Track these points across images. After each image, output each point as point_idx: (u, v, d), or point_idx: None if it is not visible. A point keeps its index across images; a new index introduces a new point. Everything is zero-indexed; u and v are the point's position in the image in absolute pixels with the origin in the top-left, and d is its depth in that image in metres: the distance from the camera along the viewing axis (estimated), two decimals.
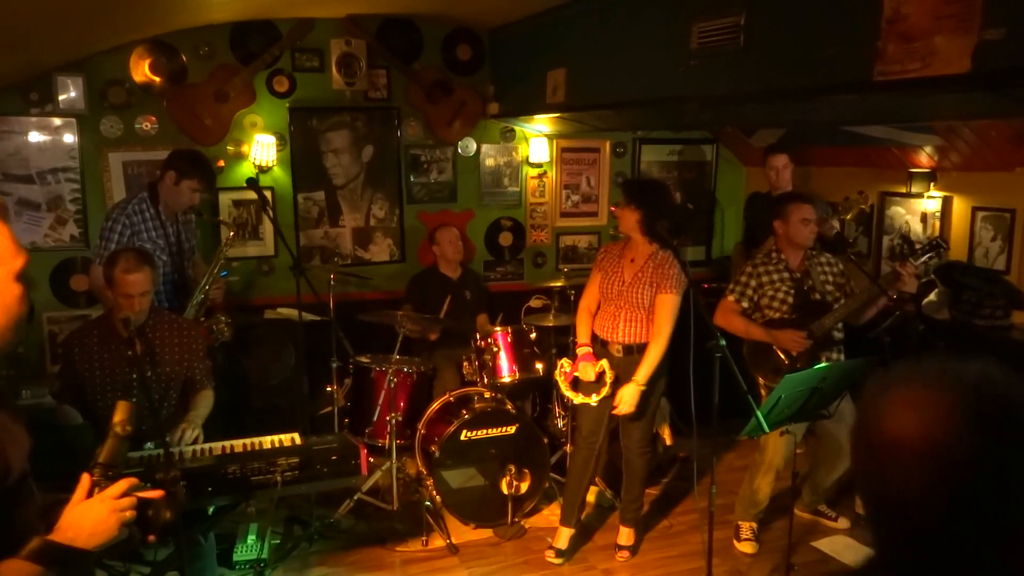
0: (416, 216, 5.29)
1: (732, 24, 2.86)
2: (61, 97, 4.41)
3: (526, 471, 3.92)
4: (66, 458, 2.40)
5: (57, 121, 4.46)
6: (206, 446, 2.86)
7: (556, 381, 3.76)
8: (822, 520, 4.03)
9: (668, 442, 4.53)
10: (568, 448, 4.14)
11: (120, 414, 1.58)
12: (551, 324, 4.55)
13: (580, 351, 3.61)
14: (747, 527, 3.82)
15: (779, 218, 3.68)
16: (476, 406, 3.98)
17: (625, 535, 3.78)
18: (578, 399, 3.61)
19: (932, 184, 4.37)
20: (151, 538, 1.52)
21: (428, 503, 3.89)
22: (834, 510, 4.04)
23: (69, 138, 4.49)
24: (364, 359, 4.18)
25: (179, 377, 3.22)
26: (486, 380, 4.15)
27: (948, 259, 4.28)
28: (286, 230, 4.82)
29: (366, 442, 3.95)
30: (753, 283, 3.69)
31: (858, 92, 2.48)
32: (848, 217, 4.71)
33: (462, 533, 3.90)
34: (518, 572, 3.65)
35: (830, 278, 3.69)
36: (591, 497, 4.07)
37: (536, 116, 4.85)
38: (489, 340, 4.19)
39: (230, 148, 4.78)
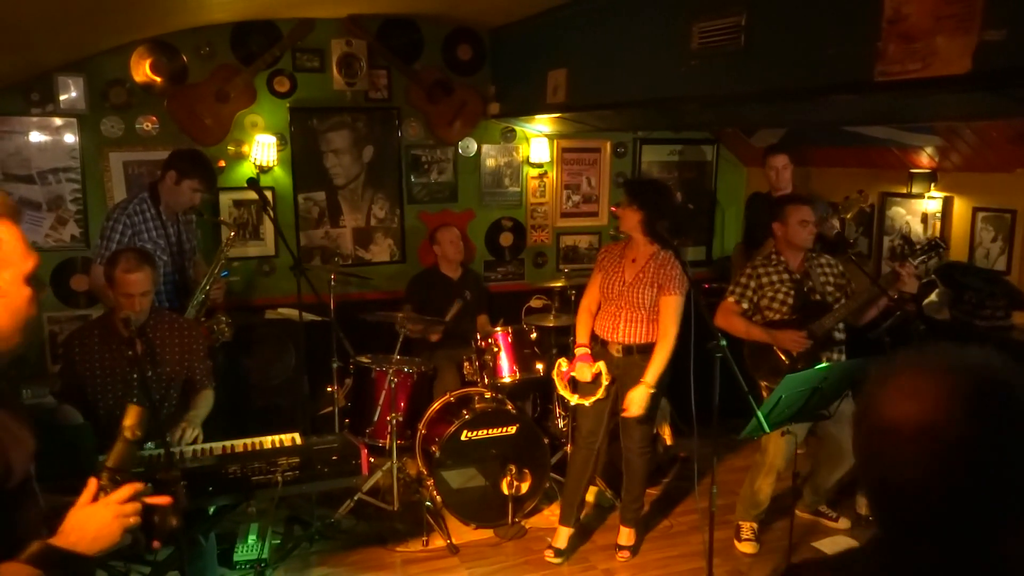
0: (417, 216, 5.29)
1: (733, 24, 2.86)
2: (62, 97, 4.41)
3: (526, 471, 3.92)
4: (67, 458, 2.41)
5: (58, 121, 4.46)
6: (206, 446, 2.87)
7: (554, 380, 3.77)
8: (823, 520, 4.03)
9: (669, 442, 4.54)
10: (568, 448, 4.14)
11: (131, 418, 1.56)
12: (552, 324, 4.55)
13: (578, 351, 3.62)
14: (748, 527, 3.82)
15: (778, 220, 3.70)
16: (477, 406, 3.98)
17: (625, 535, 3.78)
18: (573, 399, 3.63)
19: (933, 184, 4.37)
20: (156, 544, 1.50)
21: (428, 503, 3.89)
22: (835, 510, 4.04)
23: (70, 138, 4.49)
24: (365, 359, 4.18)
25: (179, 377, 3.23)
26: (486, 380, 4.15)
27: (949, 259, 4.28)
28: (287, 230, 4.82)
29: (367, 442, 3.95)
30: (753, 284, 3.69)
31: (859, 92, 2.48)
32: (848, 216, 4.71)
33: (462, 533, 3.90)
34: (518, 572, 3.65)
35: (831, 279, 3.69)
36: (590, 497, 4.07)
37: (537, 116, 4.85)
38: (489, 340, 4.19)
39: (231, 148, 4.78)
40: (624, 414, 3.46)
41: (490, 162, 5.41)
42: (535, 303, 5.01)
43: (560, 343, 4.49)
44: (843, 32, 2.42)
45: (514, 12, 4.58)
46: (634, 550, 3.78)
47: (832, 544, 3.83)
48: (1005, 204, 4.07)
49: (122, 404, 3.07)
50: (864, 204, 4.57)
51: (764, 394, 3.61)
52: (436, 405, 4.09)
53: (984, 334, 3.86)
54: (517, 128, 5.39)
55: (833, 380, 2.95)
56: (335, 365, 4.09)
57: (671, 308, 3.43)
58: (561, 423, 4.35)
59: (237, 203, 4.88)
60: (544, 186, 5.57)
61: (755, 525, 3.83)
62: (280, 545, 3.73)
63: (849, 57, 2.39)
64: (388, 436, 3.87)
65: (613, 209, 4.21)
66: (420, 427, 4.05)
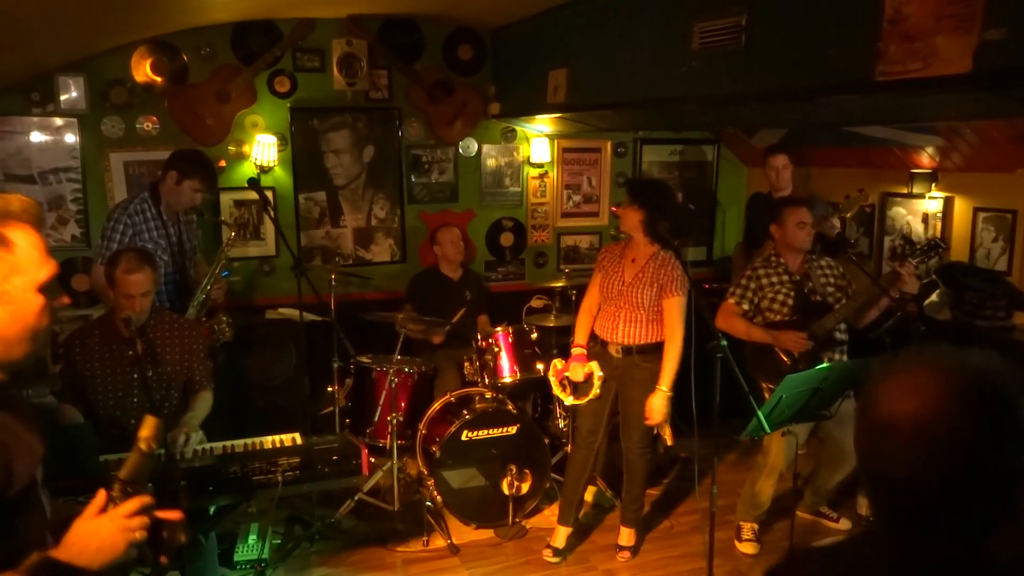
0: (417, 216, 5.29)
1: (733, 24, 2.86)
2: (62, 97, 4.41)
3: (527, 471, 3.92)
4: (67, 458, 2.41)
5: (58, 121, 4.47)
6: (207, 446, 2.86)
7: (550, 380, 3.79)
8: (823, 521, 4.02)
9: (669, 442, 4.51)
10: (569, 448, 4.14)
11: (147, 430, 1.51)
12: (552, 324, 4.55)
13: (573, 351, 3.65)
14: (748, 528, 3.82)
15: (775, 223, 3.72)
16: (477, 406, 3.98)
17: (626, 535, 3.78)
18: (567, 399, 3.66)
19: (933, 185, 4.37)
20: (163, 560, 1.47)
21: (429, 503, 3.88)
22: (836, 511, 4.03)
23: (70, 138, 4.49)
24: (365, 359, 4.18)
25: (180, 377, 3.23)
26: (487, 380, 4.15)
27: (949, 260, 4.28)
28: (287, 230, 4.83)
29: (367, 442, 3.95)
30: (753, 285, 3.69)
31: (859, 92, 2.48)
32: (849, 215, 4.70)
33: (463, 533, 3.90)
34: (519, 572, 3.65)
35: (831, 280, 3.69)
36: (589, 497, 4.08)
37: (537, 116, 4.85)
38: (490, 340, 4.19)
39: (231, 148, 4.78)
40: (648, 422, 3.49)
41: (491, 162, 5.41)
42: (536, 303, 5.01)
43: (561, 343, 4.49)
44: (844, 32, 2.42)
45: (515, 12, 4.58)
46: (634, 550, 3.78)
47: None
48: (1006, 204, 4.06)
49: (123, 404, 3.10)
50: (864, 202, 4.57)
51: (766, 395, 3.61)
52: (436, 405, 4.09)
53: (985, 334, 3.86)
54: (518, 128, 5.39)
55: (834, 380, 2.95)
56: (336, 365, 4.09)
57: (674, 310, 3.44)
58: (561, 423, 4.35)
59: (238, 203, 4.88)
60: (545, 186, 5.57)
61: (756, 526, 3.82)
62: (280, 545, 3.73)
63: (850, 57, 2.38)
64: (388, 436, 3.87)
65: (614, 209, 4.21)
66: (420, 427, 4.05)
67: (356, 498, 3.93)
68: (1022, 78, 1.97)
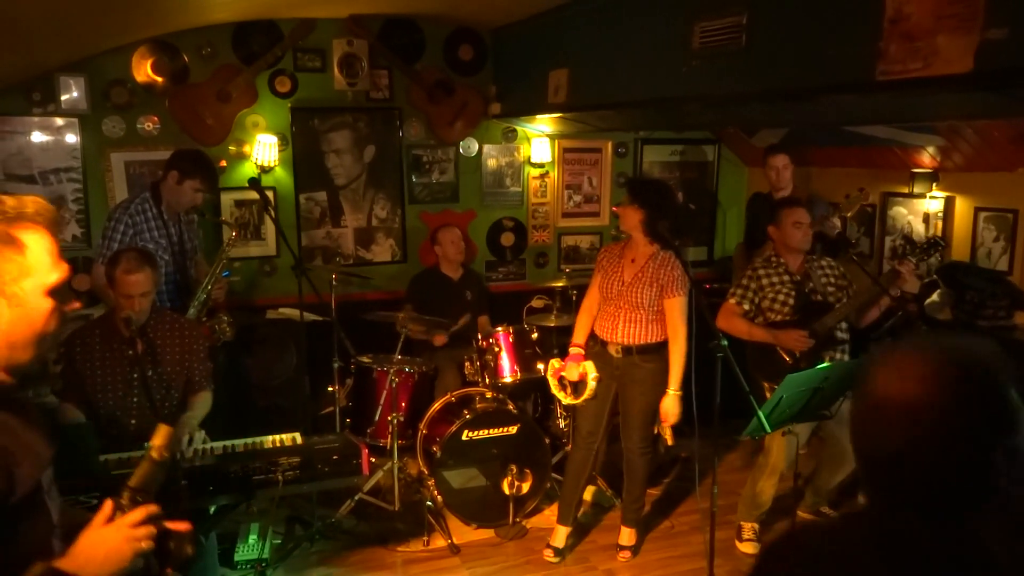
0: (418, 216, 5.29)
1: (734, 24, 2.86)
2: (63, 97, 4.41)
3: (527, 471, 3.92)
4: (68, 458, 2.41)
5: (59, 121, 4.47)
6: (207, 446, 2.86)
7: (548, 380, 3.81)
8: None
9: (669, 442, 4.51)
10: (569, 448, 4.14)
11: (159, 438, 1.49)
12: (553, 324, 4.55)
13: (571, 351, 3.66)
14: (749, 528, 3.82)
15: (772, 224, 3.73)
16: (478, 406, 3.98)
17: (626, 535, 3.78)
18: (565, 398, 3.69)
19: (934, 184, 4.36)
20: (168, 572, 1.45)
21: (429, 503, 3.88)
22: (836, 511, 4.03)
23: (71, 138, 4.49)
24: (366, 359, 4.18)
25: (180, 377, 3.23)
26: (487, 380, 4.15)
27: (951, 260, 4.28)
28: (288, 230, 4.83)
29: (368, 442, 3.95)
30: (753, 286, 3.69)
31: (860, 92, 2.48)
32: (850, 215, 4.70)
33: (463, 533, 3.90)
34: (519, 572, 3.65)
35: (831, 279, 3.69)
36: (588, 496, 4.08)
37: (538, 116, 4.85)
38: (491, 340, 4.19)
39: (232, 148, 4.79)
40: (664, 424, 3.51)
41: (491, 162, 5.41)
42: (536, 303, 5.01)
43: (561, 343, 4.48)
44: (844, 31, 2.42)
45: (515, 12, 4.58)
46: (635, 550, 3.78)
47: None
48: (1007, 204, 4.06)
49: (123, 404, 3.10)
50: (865, 202, 4.57)
51: (767, 394, 3.61)
52: (437, 405, 4.09)
53: (986, 334, 3.86)
54: (518, 128, 5.39)
55: (834, 380, 2.95)
56: (336, 365, 4.09)
57: (676, 310, 3.45)
58: (562, 423, 4.35)
59: (238, 203, 4.88)
60: (545, 186, 5.57)
61: (756, 526, 3.82)
62: (281, 545, 3.73)
63: (850, 57, 2.38)
64: (389, 436, 3.87)
65: (614, 209, 4.21)
66: (421, 427, 4.05)
67: (356, 498, 3.93)
68: (1023, 78, 1.97)
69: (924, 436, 0.98)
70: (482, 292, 4.99)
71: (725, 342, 2.92)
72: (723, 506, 3.60)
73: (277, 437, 2.92)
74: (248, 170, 4.77)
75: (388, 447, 3.89)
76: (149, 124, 4.61)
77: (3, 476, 1.27)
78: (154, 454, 1.48)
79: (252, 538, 3.55)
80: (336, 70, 4.77)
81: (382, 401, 3.98)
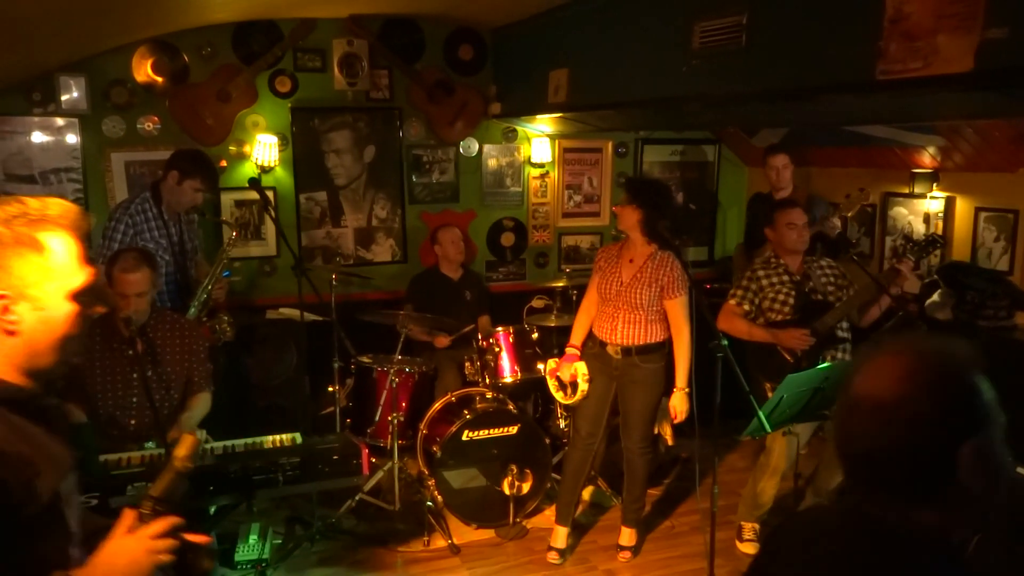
0: (418, 216, 5.29)
1: (734, 24, 2.86)
2: (63, 97, 4.41)
3: (528, 471, 3.92)
4: None
5: (60, 121, 4.47)
6: (208, 446, 2.86)
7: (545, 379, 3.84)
8: None
9: (670, 442, 4.53)
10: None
11: (184, 448, 1.47)
12: (553, 324, 4.55)
13: (567, 351, 3.67)
14: (750, 528, 3.81)
15: (768, 226, 3.74)
16: (478, 406, 3.98)
17: (627, 536, 3.78)
18: (561, 398, 3.74)
19: (935, 184, 4.36)
20: None
21: (430, 503, 3.88)
22: None
23: (72, 138, 4.49)
24: (366, 359, 4.18)
25: (180, 377, 3.23)
26: (488, 380, 4.15)
27: (951, 260, 4.28)
28: (288, 230, 4.83)
29: (368, 442, 3.95)
30: (754, 287, 3.69)
31: (860, 92, 2.47)
32: (850, 215, 4.70)
33: (464, 533, 3.89)
34: (520, 572, 3.65)
35: (831, 279, 3.69)
36: (587, 496, 4.09)
37: (538, 116, 4.85)
38: (491, 340, 4.19)
39: (232, 148, 4.79)
40: (675, 421, 3.53)
41: (491, 162, 5.41)
42: (536, 303, 5.01)
43: (561, 343, 4.47)
44: (844, 31, 2.42)
45: (515, 12, 4.58)
46: (635, 550, 3.78)
47: None
48: (1007, 204, 4.06)
49: (123, 403, 3.10)
50: (865, 202, 4.56)
51: (768, 394, 3.61)
52: (437, 405, 4.09)
53: (986, 335, 3.86)
54: (518, 128, 5.39)
55: (835, 380, 2.94)
56: (336, 365, 4.09)
57: (679, 309, 3.45)
58: (562, 423, 4.35)
59: (239, 203, 4.88)
60: (546, 186, 5.57)
61: (757, 526, 3.82)
62: (281, 545, 3.73)
63: (850, 56, 2.38)
64: (389, 436, 3.86)
65: (614, 208, 4.21)
66: (421, 427, 4.05)
67: (357, 498, 3.93)
68: (1023, 77, 1.96)
69: (895, 432, 1.04)
70: (482, 292, 4.99)
71: (725, 342, 2.92)
72: (724, 506, 3.60)
73: (277, 437, 2.92)
74: (248, 170, 4.77)
75: (388, 447, 3.89)
76: (149, 124, 4.61)
77: (23, 486, 1.25)
78: (177, 464, 1.45)
79: (252, 538, 3.55)
80: (336, 70, 4.77)
81: (382, 401, 3.98)
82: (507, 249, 5.55)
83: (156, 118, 4.61)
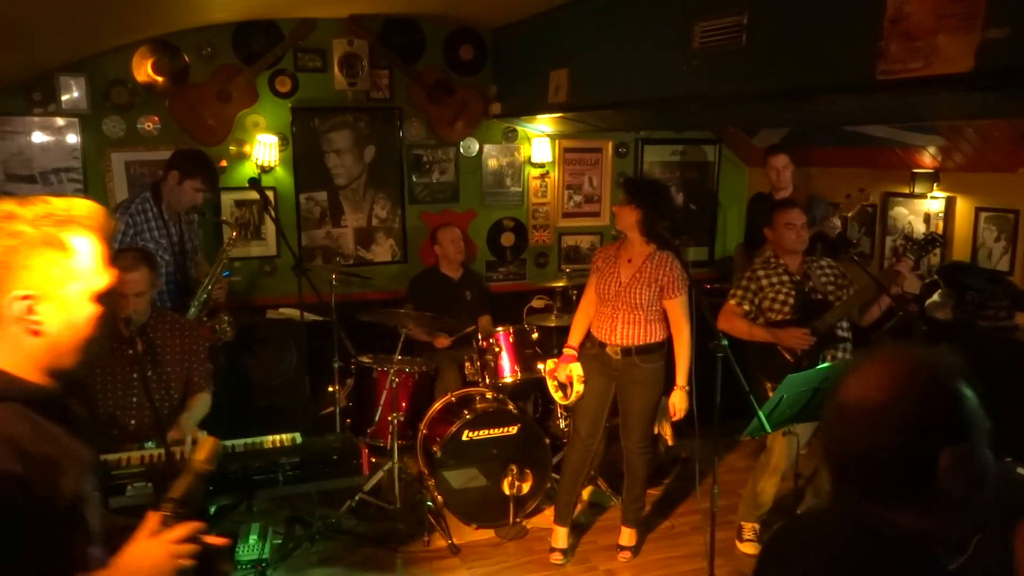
0: (418, 216, 5.29)
1: (734, 24, 2.86)
2: (64, 97, 4.41)
3: (528, 471, 3.92)
4: None
5: (60, 121, 4.47)
6: None
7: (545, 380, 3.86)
8: None
9: (670, 442, 4.53)
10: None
11: (204, 452, 1.49)
12: (553, 324, 4.55)
13: (564, 352, 3.68)
14: (750, 528, 3.81)
15: (767, 226, 3.75)
16: (478, 406, 3.98)
17: (627, 536, 3.78)
18: (561, 399, 3.76)
19: (935, 184, 4.36)
20: None
21: (430, 503, 3.88)
22: None
23: (72, 138, 4.49)
24: (366, 359, 4.18)
25: (180, 377, 3.22)
26: (488, 380, 4.15)
27: (951, 260, 4.28)
28: (288, 230, 4.82)
29: (368, 442, 3.96)
30: (753, 287, 3.69)
31: (860, 91, 2.47)
32: (850, 215, 4.70)
33: (464, 533, 3.89)
34: (520, 572, 3.64)
35: (831, 279, 3.69)
36: (586, 495, 4.09)
37: (538, 116, 4.84)
38: (491, 340, 4.19)
39: (232, 148, 4.79)
40: (674, 418, 3.54)
41: (492, 162, 5.41)
42: (537, 303, 5.01)
43: (562, 343, 4.47)
44: (845, 31, 2.42)
45: (516, 12, 4.58)
46: (635, 550, 3.78)
47: None
48: (1008, 204, 4.05)
49: (123, 403, 3.10)
50: (865, 202, 4.56)
51: (769, 393, 3.60)
52: (437, 405, 4.09)
53: (986, 335, 3.86)
54: (519, 128, 5.39)
55: (834, 380, 2.94)
56: (336, 365, 4.09)
57: (678, 309, 3.45)
58: (562, 423, 4.35)
59: (239, 203, 4.88)
60: (546, 186, 5.57)
61: (757, 526, 3.82)
62: (281, 545, 3.72)
63: (851, 56, 2.38)
64: (389, 436, 3.86)
65: (613, 208, 4.22)
66: (421, 427, 4.05)
67: (357, 498, 3.93)
68: None
69: (878, 437, 1.07)
70: (482, 292, 4.99)
71: (725, 342, 2.91)
72: (724, 506, 3.60)
73: (277, 437, 2.92)
74: (248, 170, 4.77)
75: (388, 447, 3.89)
76: (149, 124, 4.61)
77: (48, 486, 1.25)
78: (197, 466, 1.46)
79: (252, 538, 3.54)
80: (336, 70, 4.77)
81: (382, 401, 3.98)
82: (507, 249, 5.54)
83: (156, 118, 4.61)
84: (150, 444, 2.89)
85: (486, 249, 5.50)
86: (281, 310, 4.77)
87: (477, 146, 5.34)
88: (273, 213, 4.25)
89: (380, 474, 4.07)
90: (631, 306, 3.46)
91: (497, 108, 5.14)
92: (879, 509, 1.09)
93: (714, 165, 5.97)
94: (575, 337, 3.66)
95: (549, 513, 4.04)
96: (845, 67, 2.42)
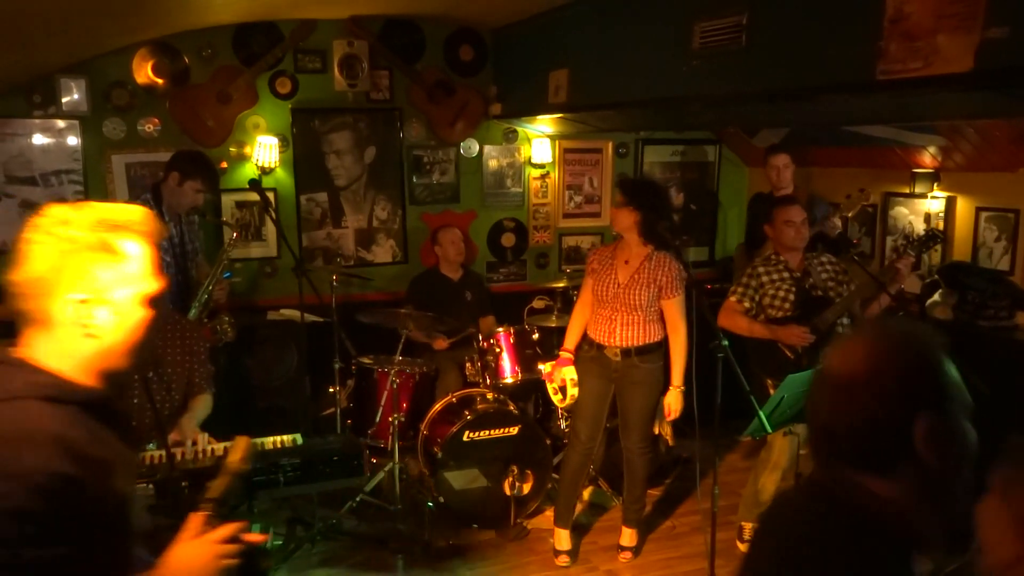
0: (419, 217, 5.29)
1: (734, 24, 2.86)
2: (64, 99, 4.41)
3: (529, 472, 3.91)
4: None
5: (60, 123, 4.47)
6: (208, 447, 2.86)
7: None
8: None
9: (670, 442, 4.53)
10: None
11: (238, 452, 1.52)
12: (554, 325, 4.55)
13: (560, 355, 3.68)
14: (750, 528, 3.81)
15: (767, 223, 3.75)
16: (478, 407, 3.98)
17: (628, 536, 3.78)
18: (559, 402, 3.79)
19: (936, 184, 4.36)
20: None
21: (430, 504, 3.88)
22: None
23: (72, 140, 4.49)
24: (367, 360, 4.18)
25: (181, 378, 3.23)
26: (488, 381, 4.15)
27: (952, 260, 4.28)
28: (289, 231, 4.82)
29: (369, 443, 3.96)
30: (754, 284, 3.69)
31: (860, 91, 2.47)
32: (851, 215, 4.70)
33: (464, 534, 3.89)
34: (520, 573, 3.65)
35: (832, 275, 3.69)
36: (586, 496, 4.09)
37: (538, 117, 4.85)
38: (491, 341, 4.20)
39: (233, 149, 4.79)
40: (668, 418, 3.55)
41: (492, 163, 5.41)
42: (537, 304, 5.01)
43: (562, 344, 4.49)
44: (845, 31, 2.42)
45: (515, 12, 4.58)
46: (636, 551, 3.78)
47: None
48: (1008, 204, 4.05)
49: (123, 404, 3.09)
50: (866, 202, 4.56)
51: (770, 391, 3.60)
52: (438, 406, 4.09)
53: (987, 334, 3.85)
54: (519, 129, 5.39)
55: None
56: (337, 366, 4.09)
57: (675, 309, 3.46)
58: (563, 424, 4.35)
59: (239, 204, 4.88)
60: (546, 187, 5.57)
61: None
62: (282, 546, 3.72)
63: (851, 56, 2.38)
64: (390, 437, 3.86)
65: (610, 210, 4.23)
66: (422, 428, 4.05)
67: (358, 499, 3.93)
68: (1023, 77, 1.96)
69: (857, 405, 1.10)
70: (483, 293, 4.99)
71: (726, 342, 2.91)
72: (724, 507, 3.59)
73: (278, 438, 2.92)
74: (249, 171, 4.77)
75: (389, 448, 3.89)
76: (150, 126, 4.61)
77: (100, 488, 1.28)
78: (234, 467, 1.49)
79: None
80: (336, 71, 4.77)
81: (383, 402, 3.98)
82: (508, 250, 5.55)
83: (157, 120, 4.61)
84: (151, 446, 2.89)
85: (487, 250, 5.50)
86: (282, 311, 4.77)
87: (477, 147, 5.34)
88: (273, 214, 4.25)
89: (381, 475, 4.07)
90: (630, 307, 3.45)
91: (497, 109, 5.14)
92: (856, 476, 1.11)
93: (714, 165, 5.97)
94: (571, 340, 3.66)
95: (550, 514, 4.05)
96: (845, 67, 2.42)
